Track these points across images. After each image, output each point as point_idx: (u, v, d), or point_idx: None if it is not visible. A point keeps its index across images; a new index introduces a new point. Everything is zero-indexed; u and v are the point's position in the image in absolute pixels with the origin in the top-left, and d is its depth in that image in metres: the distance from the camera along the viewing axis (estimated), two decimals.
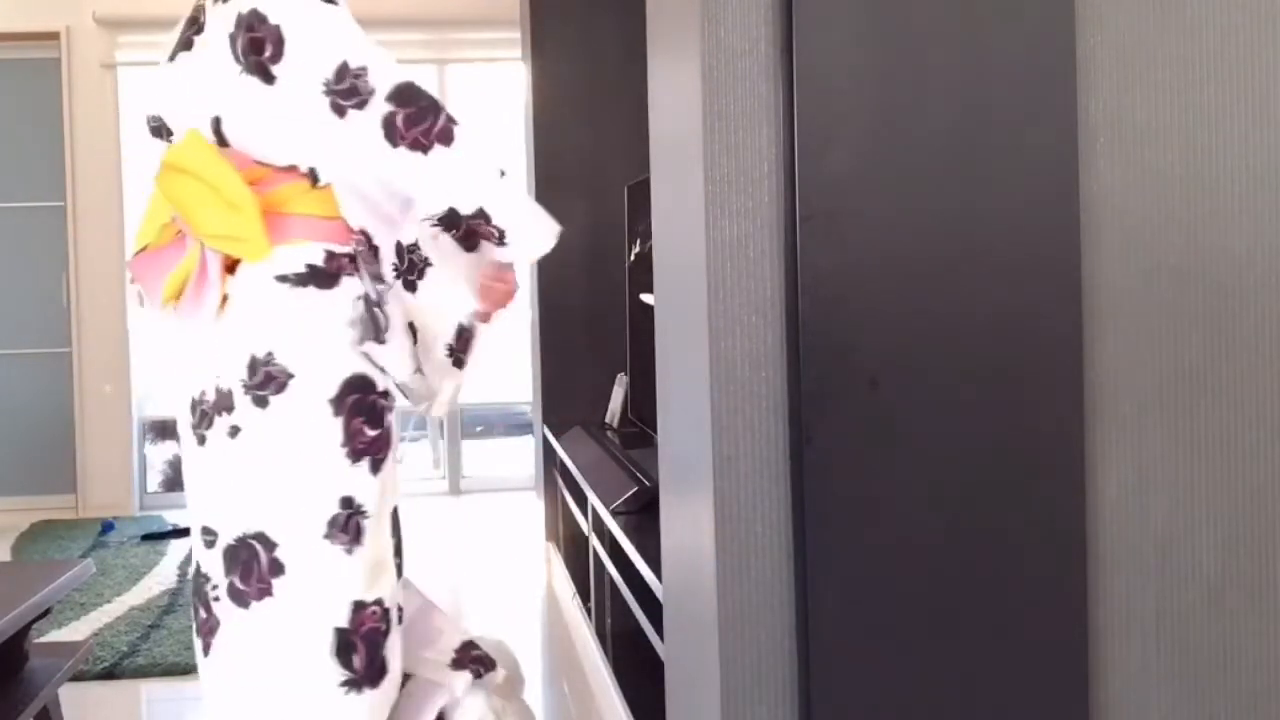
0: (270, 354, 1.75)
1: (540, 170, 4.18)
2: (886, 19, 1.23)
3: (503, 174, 1.84)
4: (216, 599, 1.81)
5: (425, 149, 1.75)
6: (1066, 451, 1.27)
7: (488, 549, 4.61)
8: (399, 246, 1.82)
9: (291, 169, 1.78)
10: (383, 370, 1.82)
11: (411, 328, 1.86)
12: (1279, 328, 1.32)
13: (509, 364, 5.47)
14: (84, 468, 5.43)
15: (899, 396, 1.24)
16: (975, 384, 1.25)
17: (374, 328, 1.79)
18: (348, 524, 1.77)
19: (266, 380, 1.75)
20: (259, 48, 1.73)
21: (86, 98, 5.41)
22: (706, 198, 1.25)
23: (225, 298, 1.78)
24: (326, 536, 1.76)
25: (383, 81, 1.74)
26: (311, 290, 1.77)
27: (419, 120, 1.74)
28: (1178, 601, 1.33)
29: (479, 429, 6.13)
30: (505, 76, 5.46)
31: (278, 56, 1.73)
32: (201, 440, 1.82)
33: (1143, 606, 1.32)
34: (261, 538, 1.77)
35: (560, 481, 3.93)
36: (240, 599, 1.78)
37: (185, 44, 1.86)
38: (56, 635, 3.43)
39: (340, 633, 1.76)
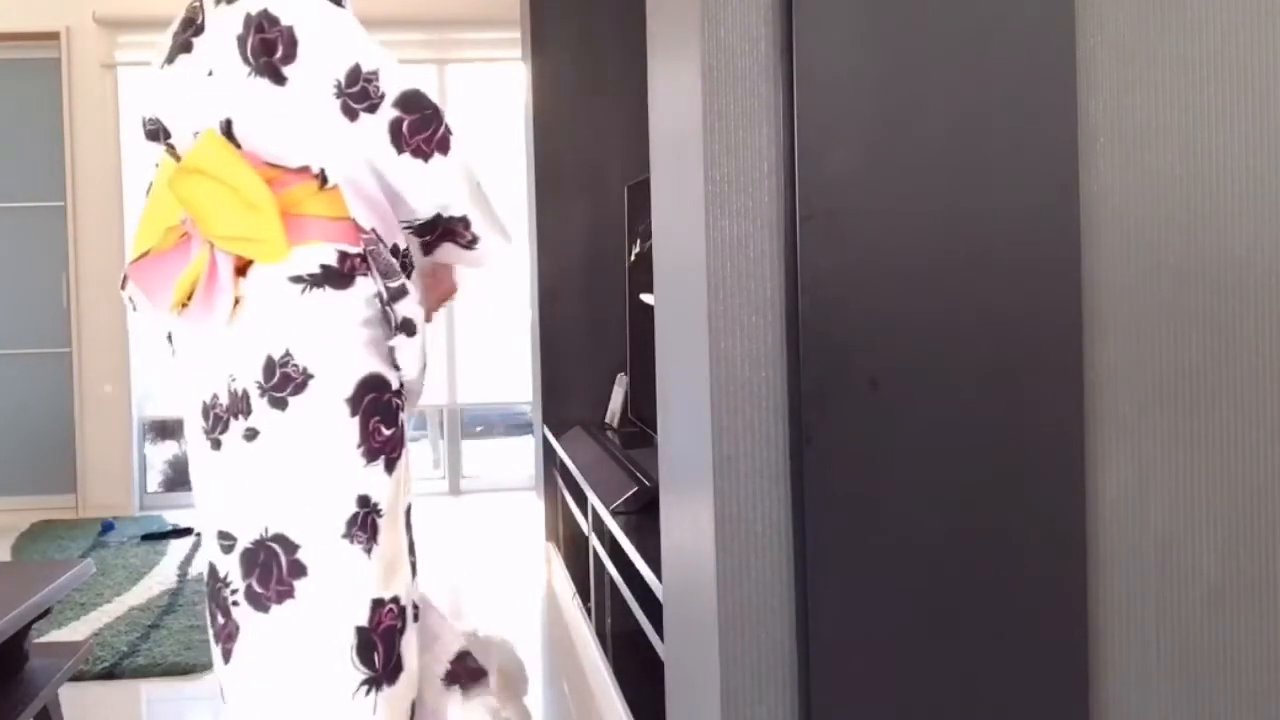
0: (288, 355, 1.75)
1: (540, 170, 4.18)
2: (886, 19, 1.23)
3: (479, 184, 1.89)
4: (235, 604, 1.81)
5: (426, 156, 1.78)
6: (1066, 451, 1.27)
7: (488, 549, 4.61)
8: (394, 249, 1.83)
9: (303, 170, 1.78)
10: (398, 368, 1.83)
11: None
12: (1279, 328, 1.32)
13: (509, 364, 5.48)
14: (84, 468, 5.43)
15: (899, 396, 1.24)
16: (975, 384, 1.25)
17: (387, 327, 1.81)
18: (365, 523, 1.77)
19: (284, 382, 1.75)
20: (270, 49, 1.74)
21: (86, 98, 5.41)
22: (706, 198, 1.25)
23: (238, 300, 1.78)
24: (346, 536, 1.76)
25: (392, 86, 1.76)
26: (327, 291, 1.77)
27: (423, 127, 1.77)
28: (1178, 601, 1.33)
29: (479, 429, 6.14)
30: (505, 76, 5.46)
31: (290, 58, 1.74)
32: (216, 445, 1.82)
33: (1143, 606, 1.32)
34: (281, 539, 1.76)
35: (560, 481, 3.93)
36: (258, 603, 1.78)
37: (184, 46, 1.85)
38: (56, 635, 3.43)
39: (361, 631, 1.77)
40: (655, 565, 1.99)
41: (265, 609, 1.78)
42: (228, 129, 1.79)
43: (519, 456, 5.85)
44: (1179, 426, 1.32)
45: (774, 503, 1.27)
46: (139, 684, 3.15)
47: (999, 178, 1.25)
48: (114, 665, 3.21)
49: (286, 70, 1.74)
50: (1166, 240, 1.31)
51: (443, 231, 1.88)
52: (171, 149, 1.88)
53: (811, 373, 1.23)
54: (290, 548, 1.76)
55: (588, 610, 3.21)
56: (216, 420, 1.81)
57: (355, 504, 1.77)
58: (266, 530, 1.77)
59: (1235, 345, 1.32)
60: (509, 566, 4.26)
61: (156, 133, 1.90)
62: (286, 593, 1.77)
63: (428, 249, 1.92)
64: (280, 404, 1.75)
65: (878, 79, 1.23)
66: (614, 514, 2.65)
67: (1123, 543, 1.31)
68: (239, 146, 1.79)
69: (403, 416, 1.86)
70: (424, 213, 1.84)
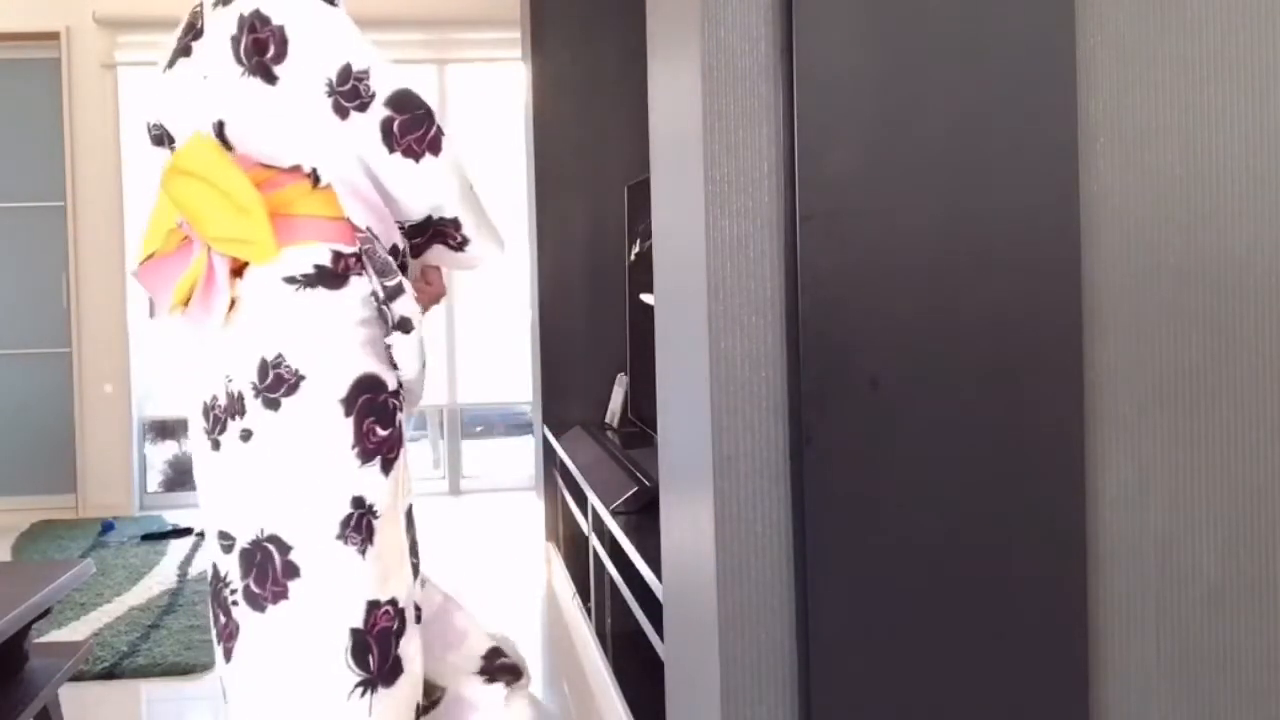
0: (280, 356, 1.75)
1: (540, 170, 4.18)
2: (886, 19, 1.23)
3: (470, 186, 1.90)
4: (235, 603, 1.81)
5: (417, 156, 1.78)
6: (1066, 451, 1.27)
7: (488, 549, 4.61)
8: (394, 249, 1.83)
9: (295, 170, 1.78)
10: (396, 367, 1.83)
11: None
12: (1279, 328, 1.32)
13: (509, 364, 5.48)
14: (84, 468, 5.43)
15: (899, 396, 1.24)
16: (975, 384, 1.25)
17: (384, 326, 1.81)
18: (360, 524, 1.77)
19: (277, 382, 1.75)
20: (262, 48, 1.74)
21: (86, 98, 5.41)
22: (706, 198, 1.25)
23: (234, 301, 1.78)
24: (340, 537, 1.76)
25: (383, 86, 1.76)
26: (320, 291, 1.77)
27: (414, 127, 1.77)
28: (1178, 601, 1.33)
29: (479, 429, 6.14)
30: (505, 76, 5.46)
31: (281, 57, 1.74)
32: (215, 445, 1.83)
33: (1143, 606, 1.32)
34: (276, 540, 1.77)
35: (560, 481, 3.93)
36: (255, 603, 1.79)
37: (184, 50, 1.86)
38: (56, 635, 3.43)
39: (355, 633, 1.76)
40: (655, 565, 1.99)
41: (262, 609, 1.78)
42: (221, 130, 1.79)
43: (519, 456, 5.85)
44: (1179, 426, 1.32)
45: (774, 503, 1.27)
46: (139, 684, 3.14)
47: (999, 178, 1.25)
48: (114, 665, 3.21)
49: (278, 70, 1.74)
50: (1166, 240, 1.31)
51: (434, 233, 1.89)
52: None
53: (811, 373, 1.23)
54: (284, 548, 1.76)
55: (588, 610, 3.21)
56: (216, 421, 1.82)
57: (350, 505, 1.77)
58: (262, 531, 1.77)
59: (1235, 345, 1.32)
60: (509, 566, 4.26)
61: (161, 138, 1.91)
62: (281, 593, 1.77)
63: (416, 251, 1.92)
64: (274, 405, 1.75)
65: (878, 79, 1.23)
66: (614, 514, 2.65)
67: (1123, 543, 1.31)
68: (231, 148, 1.79)
69: (400, 417, 1.85)
70: (416, 214, 1.84)
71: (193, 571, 4.23)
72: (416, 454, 5.90)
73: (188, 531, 4.82)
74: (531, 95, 4.24)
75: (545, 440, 4.10)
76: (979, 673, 1.26)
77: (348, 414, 1.76)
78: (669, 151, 1.45)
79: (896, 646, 1.25)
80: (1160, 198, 1.30)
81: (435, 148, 1.79)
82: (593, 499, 2.93)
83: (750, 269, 1.26)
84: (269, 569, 1.77)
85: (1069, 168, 1.26)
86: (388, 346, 1.82)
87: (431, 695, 1.95)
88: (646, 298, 3.28)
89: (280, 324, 1.77)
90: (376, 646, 1.78)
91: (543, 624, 3.64)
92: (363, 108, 1.75)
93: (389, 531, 1.81)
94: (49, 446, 5.43)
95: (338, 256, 1.78)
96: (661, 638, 1.87)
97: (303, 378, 1.75)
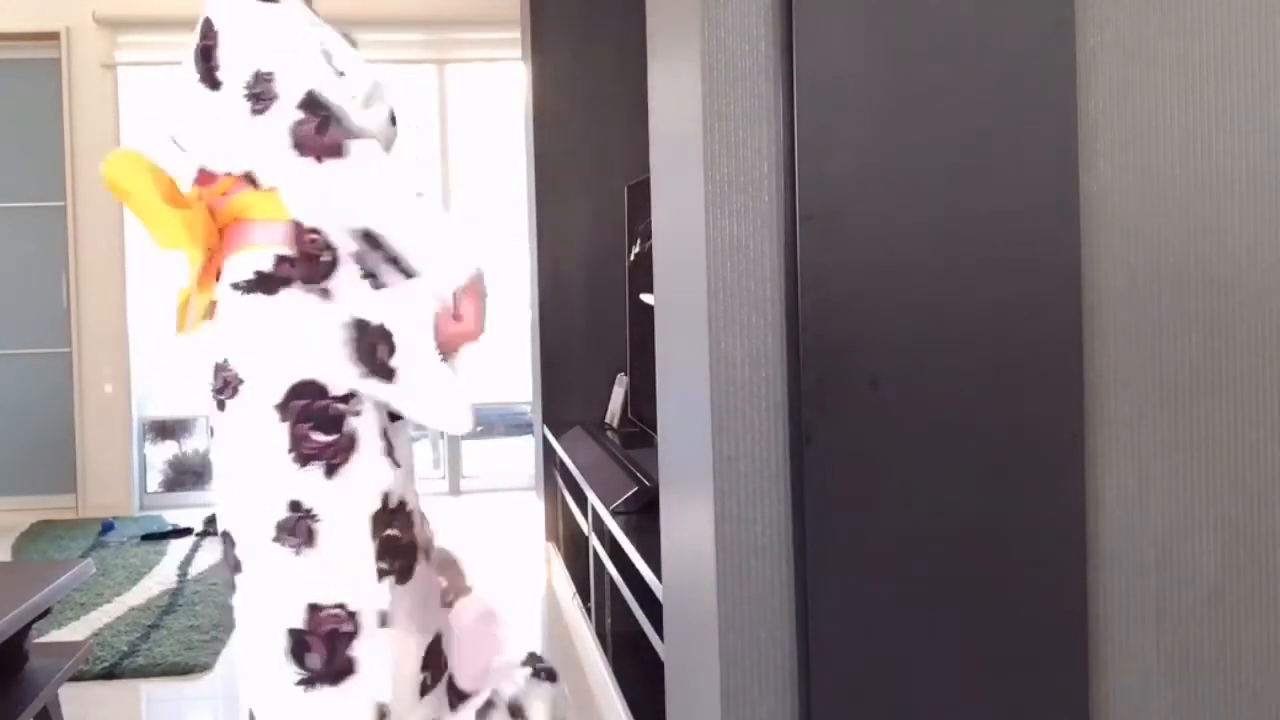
0: (225, 360, 1.79)
1: (540, 170, 4.18)
2: (886, 19, 1.23)
3: (420, 195, 1.79)
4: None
5: (319, 158, 1.74)
6: (1066, 451, 1.27)
7: (488, 549, 4.61)
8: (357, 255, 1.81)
9: (246, 175, 1.79)
10: (375, 372, 1.79)
11: (384, 331, 1.80)
12: (1279, 328, 1.32)
13: (509, 364, 5.48)
14: (84, 468, 5.43)
15: (899, 396, 1.24)
16: (975, 384, 1.25)
17: (356, 333, 1.77)
18: (296, 527, 1.78)
19: (224, 386, 1.79)
20: (208, 54, 1.77)
21: (86, 98, 5.41)
22: (706, 198, 1.25)
23: (213, 304, 1.83)
24: (275, 539, 1.78)
25: (293, 87, 1.74)
26: (258, 297, 1.79)
27: (320, 130, 1.74)
28: (1178, 601, 1.33)
29: (479, 429, 6.14)
30: (505, 76, 5.46)
31: (220, 61, 1.77)
32: (211, 433, 1.91)
33: (1143, 606, 1.32)
34: (226, 536, 1.84)
35: (560, 481, 3.93)
36: (230, 584, 1.87)
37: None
38: (56, 635, 3.43)
39: (295, 634, 1.78)
40: (655, 565, 1.99)
41: (234, 587, 1.86)
42: (176, 139, 1.84)
43: (519, 456, 5.84)
44: (1179, 427, 1.32)
45: (774, 503, 1.27)
46: (139, 684, 3.14)
47: (999, 178, 1.25)
48: (114, 665, 3.21)
49: (219, 75, 1.77)
50: (1166, 240, 1.31)
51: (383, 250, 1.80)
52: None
53: (811, 373, 1.23)
54: (231, 543, 1.83)
55: (588, 610, 3.21)
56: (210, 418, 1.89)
57: (286, 508, 1.77)
58: (223, 524, 1.85)
59: (1235, 345, 1.32)
60: (509, 566, 4.26)
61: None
62: (230, 584, 1.85)
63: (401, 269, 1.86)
64: (221, 406, 1.80)
65: (878, 79, 1.23)
66: (614, 514, 2.65)
67: (1123, 542, 1.31)
68: (188, 155, 1.82)
69: (353, 423, 1.80)
70: (349, 220, 1.77)
71: (193, 571, 4.23)
72: (417, 454, 5.89)
73: (188, 532, 4.82)
74: (531, 95, 4.24)
75: (545, 440, 4.10)
76: (979, 672, 1.26)
77: (283, 419, 1.77)
78: (669, 151, 1.45)
79: (896, 646, 1.25)
80: (1160, 198, 1.30)
81: (336, 151, 1.73)
82: (593, 499, 2.93)
83: (750, 269, 1.25)
84: (227, 559, 1.85)
85: (1069, 168, 1.26)
86: (372, 347, 1.78)
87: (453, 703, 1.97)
88: (646, 298, 3.28)
89: (227, 329, 1.80)
90: (324, 647, 1.78)
91: (543, 624, 3.64)
92: (266, 110, 1.74)
93: (338, 535, 1.79)
94: (49, 446, 5.43)
95: (280, 260, 1.78)
96: (661, 638, 1.87)
97: (241, 381, 1.78)
